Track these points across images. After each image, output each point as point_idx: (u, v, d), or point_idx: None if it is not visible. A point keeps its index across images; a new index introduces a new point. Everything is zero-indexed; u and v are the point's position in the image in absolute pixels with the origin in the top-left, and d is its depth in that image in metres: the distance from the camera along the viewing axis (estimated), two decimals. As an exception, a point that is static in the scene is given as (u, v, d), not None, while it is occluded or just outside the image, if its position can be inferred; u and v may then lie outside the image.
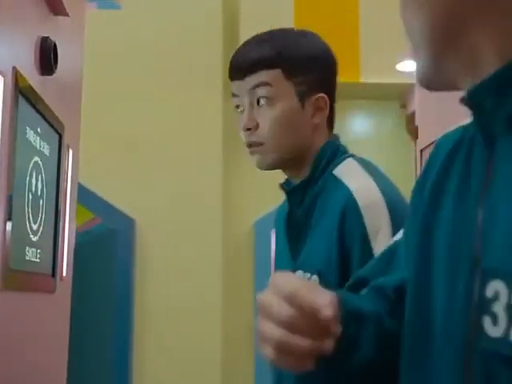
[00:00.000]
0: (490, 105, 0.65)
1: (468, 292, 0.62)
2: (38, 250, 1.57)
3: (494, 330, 0.58)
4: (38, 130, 1.55)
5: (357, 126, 4.82)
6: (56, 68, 1.60)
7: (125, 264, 4.68)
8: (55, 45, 1.57)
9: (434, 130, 1.85)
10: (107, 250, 4.75)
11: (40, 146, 1.56)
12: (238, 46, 1.39)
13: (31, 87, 1.46)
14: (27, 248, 1.49)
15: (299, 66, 1.25)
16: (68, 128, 1.80)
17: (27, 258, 1.49)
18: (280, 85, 1.24)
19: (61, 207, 1.76)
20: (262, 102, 1.25)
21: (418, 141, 1.83)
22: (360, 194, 1.20)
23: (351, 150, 1.40)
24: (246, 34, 5.46)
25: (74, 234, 1.96)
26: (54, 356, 1.81)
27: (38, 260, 1.57)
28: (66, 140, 1.78)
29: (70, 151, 1.84)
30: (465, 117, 1.65)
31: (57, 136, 1.72)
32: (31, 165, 1.50)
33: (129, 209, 4.94)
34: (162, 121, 5.35)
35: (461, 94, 0.66)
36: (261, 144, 1.27)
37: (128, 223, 4.77)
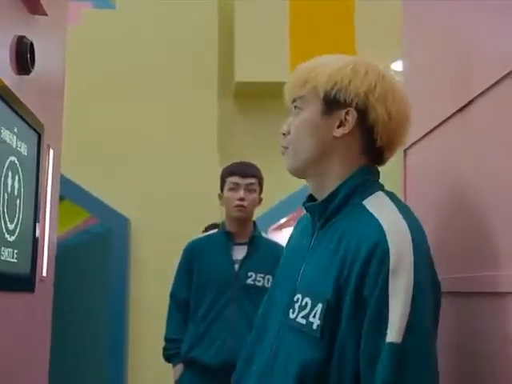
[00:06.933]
0: (317, 216, 1.42)
1: (288, 298, 1.40)
2: (15, 251, 1.56)
3: (292, 315, 1.37)
4: (15, 129, 1.54)
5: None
6: (33, 67, 1.59)
7: (120, 262, 4.70)
8: (32, 44, 1.56)
9: (417, 130, 1.84)
10: (103, 249, 4.76)
11: (17, 146, 1.56)
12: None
13: (6, 87, 1.45)
14: (3, 248, 1.48)
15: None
16: (48, 127, 1.79)
17: (3, 259, 1.48)
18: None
19: (40, 207, 1.75)
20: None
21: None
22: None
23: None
24: (241, 33, 5.44)
25: (56, 235, 1.95)
26: (34, 356, 1.80)
27: (14, 260, 1.56)
28: (46, 139, 1.77)
29: (51, 151, 1.83)
30: (443, 115, 1.61)
31: (36, 135, 1.71)
32: (7, 164, 1.49)
33: (124, 208, 4.95)
34: (158, 121, 5.36)
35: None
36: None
37: (123, 222, 4.78)
